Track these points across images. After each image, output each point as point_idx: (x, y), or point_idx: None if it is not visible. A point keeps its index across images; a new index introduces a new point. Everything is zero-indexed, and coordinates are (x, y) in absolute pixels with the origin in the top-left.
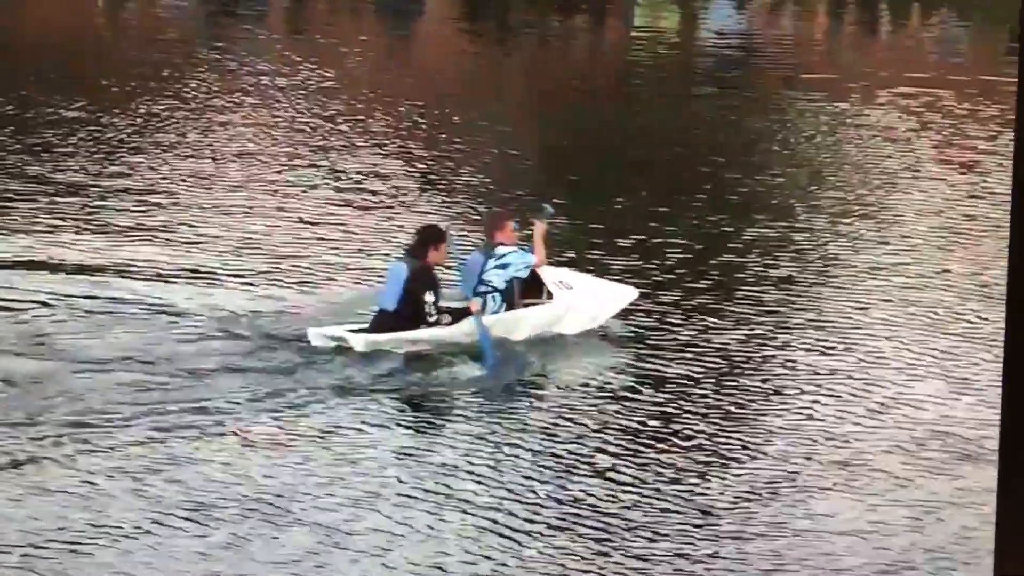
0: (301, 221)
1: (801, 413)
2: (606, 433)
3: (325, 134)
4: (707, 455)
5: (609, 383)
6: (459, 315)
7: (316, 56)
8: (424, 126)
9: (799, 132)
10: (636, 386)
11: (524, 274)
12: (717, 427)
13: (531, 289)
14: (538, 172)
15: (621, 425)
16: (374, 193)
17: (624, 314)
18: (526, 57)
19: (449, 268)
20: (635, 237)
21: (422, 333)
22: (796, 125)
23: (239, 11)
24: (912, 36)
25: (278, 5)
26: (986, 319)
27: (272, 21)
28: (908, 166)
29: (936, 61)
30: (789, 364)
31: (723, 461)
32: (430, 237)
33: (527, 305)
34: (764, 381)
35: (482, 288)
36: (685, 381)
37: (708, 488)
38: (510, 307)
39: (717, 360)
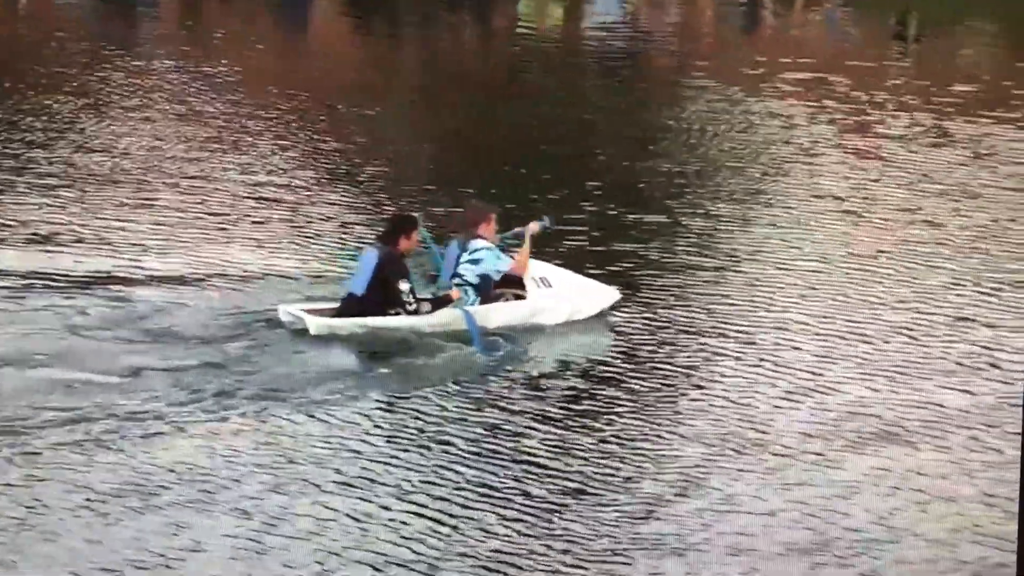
0: (206, 215)
1: (711, 398)
2: (522, 418)
3: (224, 128)
4: (618, 440)
5: (524, 371)
6: (438, 304)
7: (211, 50)
8: (323, 119)
9: (692, 121)
10: (545, 374)
11: (496, 276)
12: (628, 411)
13: (511, 281)
14: (440, 164)
15: (536, 411)
16: (277, 187)
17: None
18: (418, 51)
19: (420, 256)
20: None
21: (380, 321)
22: (689, 114)
23: (135, 5)
24: (797, 22)
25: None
26: (889, 299)
27: (165, 13)
28: (805, 150)
29: (824, 47)
30: (697, 349)
31: (635, 444)
32: (401, 225)
33: (502, 296)
34: (672, 366)
35: (455, 281)
36: (595, 367)
37: (622, 470)
38: (485, 300)
39: (625, 346)
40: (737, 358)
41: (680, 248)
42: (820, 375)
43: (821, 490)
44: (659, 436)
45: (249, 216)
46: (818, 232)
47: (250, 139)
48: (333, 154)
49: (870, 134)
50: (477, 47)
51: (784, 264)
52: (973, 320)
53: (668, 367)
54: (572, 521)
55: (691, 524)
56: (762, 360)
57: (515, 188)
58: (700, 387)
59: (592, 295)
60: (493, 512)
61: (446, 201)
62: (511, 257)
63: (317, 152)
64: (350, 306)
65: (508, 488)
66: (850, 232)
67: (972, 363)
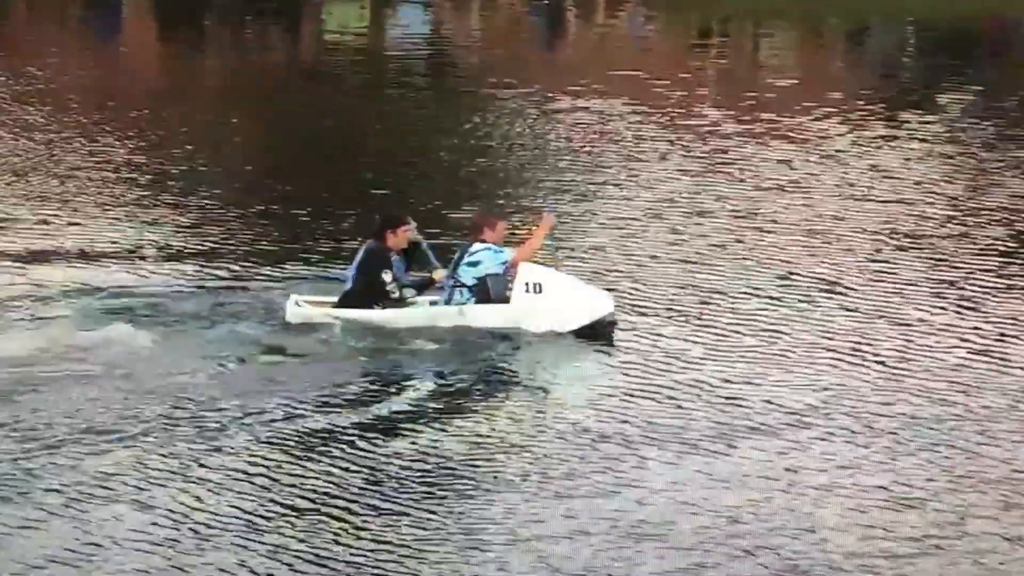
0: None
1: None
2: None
3: (41, 136)
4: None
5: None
6: (421, 288)
7: (21, 61)
8: (136, 127)
9: (503, 125)
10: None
11: (500, 270)
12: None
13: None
14: (253, 170)
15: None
16: (98, 192)
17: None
18: (226, 60)
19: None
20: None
21: (354, 313)
22: (499, 119)
23: None
24: (601, 25)
25: None
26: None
27: None
28: (618, 154)
29: (628, 49)
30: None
31: (521, 435)
32: (388, 221)
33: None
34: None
35: (450, 282)
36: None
37: (518, 459)
38: (481, 302)
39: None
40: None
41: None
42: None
43: (734, 480)
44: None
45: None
46: (640, 230)
47: (68, 145)
48: (145, 159)
49: (681, 136)
50: (282, 56)
51: (606, 260)
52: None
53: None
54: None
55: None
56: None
57: (306, 193)
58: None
59: (583, 305)
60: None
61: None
62: (515, 250)
63: (130, 160)
64: (343, 299)
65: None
66: (674, 228)
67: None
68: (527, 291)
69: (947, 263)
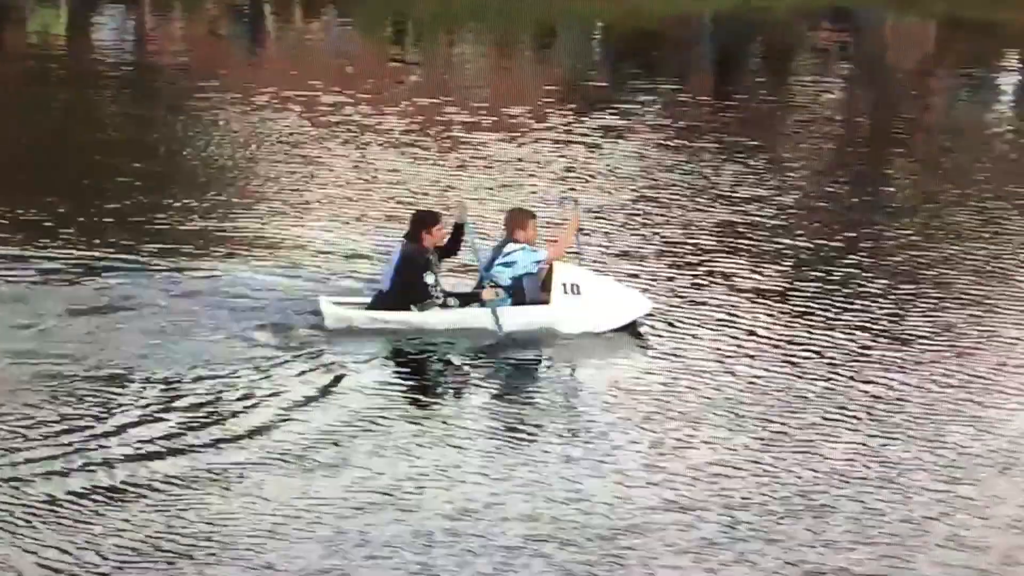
0: None
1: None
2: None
3: None
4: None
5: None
6: (466, 300)
7: None
8: None
9: (199, 130)
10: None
11: (534, 270)
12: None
13: (547, 286)
14: None
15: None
16: None
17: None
18: None
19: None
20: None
21: (392, 315)
22: (196, 123)
23: None
24: (299, 32)
25: None
26: None
27: None
28: (310, 158)
29: (327, 55)
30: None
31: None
32: (423, 221)
33: (538, 302)
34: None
35: (488, 283)
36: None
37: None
38: (519, 303)
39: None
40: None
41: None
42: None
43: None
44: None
45: None
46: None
47: None
48: None
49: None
50: None
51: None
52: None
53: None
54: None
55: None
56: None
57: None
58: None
59: (621, 306)
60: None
61: None
62: (547, 249)
63: None
64: (378, 301)
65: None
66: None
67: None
68: (565, 292)
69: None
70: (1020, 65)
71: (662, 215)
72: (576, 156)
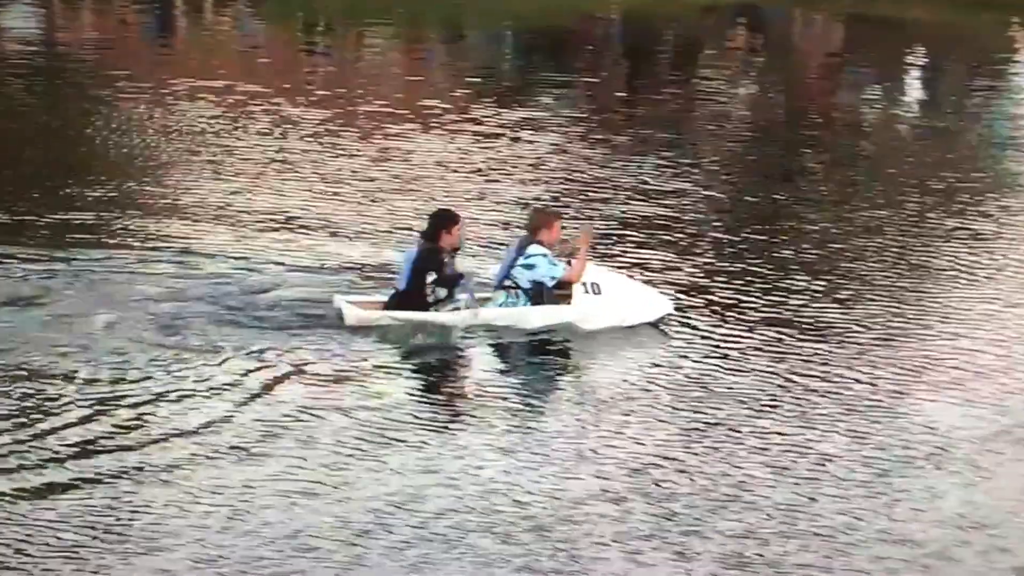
0: None
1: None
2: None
3: None
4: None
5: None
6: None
7: None
8: None
9: (109, 123)
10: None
11: (550, 283)
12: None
13: (561, 285)
14: None
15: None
16: None
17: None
18: None
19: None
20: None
21: (411, 315)
22: (106, 117)
23: None
24: (210, 25)
25: None
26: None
27: None
28: (229, 150)
29: (239, 47)
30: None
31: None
32: (441, 220)
33: (556, 301)
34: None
35: (507, 283)
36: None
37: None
38: (538, 303)
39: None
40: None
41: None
42: None
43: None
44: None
45: None
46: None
47: None
48: None
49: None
50: None
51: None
52: None
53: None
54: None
55: None
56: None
57: None
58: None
59: (642, 305)
60: None
61: None
62: (567, 264)
63: None
64: (394, 300)
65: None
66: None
67: None
68: (586, 292)
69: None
70: (927, 61)
71: (583, 209)
72: (495, 149)
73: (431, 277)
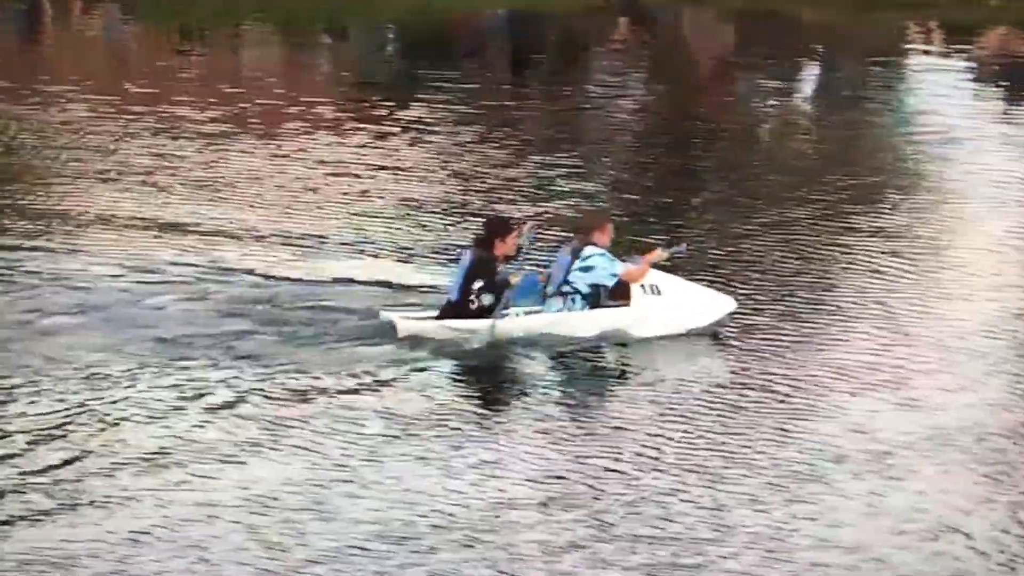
0: None
1: None
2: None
3: None
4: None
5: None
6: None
7: None
8: None
9: None
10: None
11: (610, 283)
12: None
13: (621, 290)
14: None
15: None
16: None
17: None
18: None
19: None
20: None
21: (464, 323)
22: None
23: None
24: (77, 27)
25: None
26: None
27: None
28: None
29: (105, 50)
30: None
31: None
32: (495, 229)
33: (611, 306)
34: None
35: (565, 289)
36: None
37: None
38: (595, 307)
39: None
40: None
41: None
42: None
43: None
44: None
45: None
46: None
47: None
48: None
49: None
50: None
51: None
52: None
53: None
54: None
55: None
56: None
57: None
58: None
59: (703, 306)
60: None
61: None
62: (625, 263)
63: None
64: (446, 310)
65: None
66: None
67: None
68: (645, 292)
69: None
70: (820, 58)
71: (478, 209)
72: (385, 149)
73: (478, 284)
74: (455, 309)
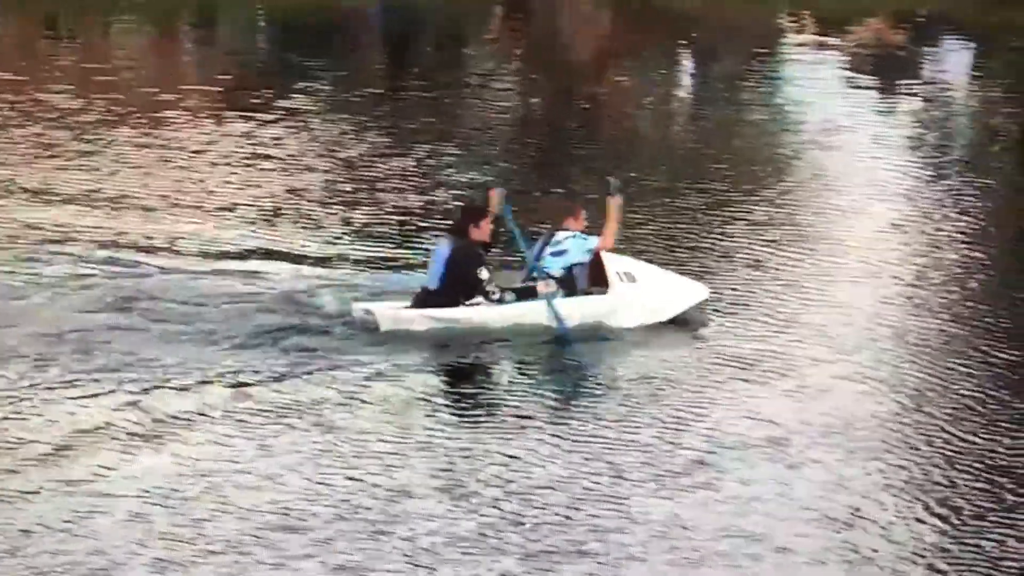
0: None
1: None
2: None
3: None
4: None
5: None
6: (522, 295)
7: None
8: None
9: None
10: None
11: (586, 259)
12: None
13: (598, 277)
14: None
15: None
16: None
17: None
18: None
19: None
20: None
21: (451, 313)
22: None
23: None
24: None
25: None
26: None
27: None
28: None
29: None
30: None
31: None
32: (470, 215)
33: (590, 293)
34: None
35: (537, 275)
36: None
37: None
38: (571, 295)
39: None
40: None
41: None
42: None
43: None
44: None
45: None
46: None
47: None
48: None
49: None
50: None
51: None
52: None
53: None
54: None
55: None
56: None
57: None
58: None
59: (677, 293)
60: None
61: None
62: (598, 238)
63: None
64: (423, 300)
65: None
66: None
67: None
68: (621, 280)
69: None
70: (699, 47)
71: (361, 199)
72: (262, 140)
73: (485, 273)
74: (433, 297)
